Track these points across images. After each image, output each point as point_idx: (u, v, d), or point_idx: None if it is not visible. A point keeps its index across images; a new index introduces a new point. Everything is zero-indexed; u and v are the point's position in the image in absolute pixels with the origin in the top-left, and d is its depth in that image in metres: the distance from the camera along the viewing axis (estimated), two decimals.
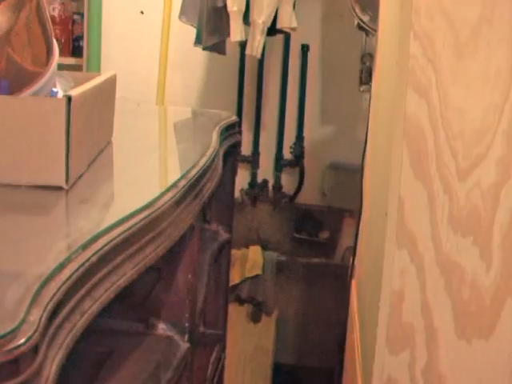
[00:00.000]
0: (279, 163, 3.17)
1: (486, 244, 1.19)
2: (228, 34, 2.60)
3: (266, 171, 3.18)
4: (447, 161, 1.18)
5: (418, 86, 1.17)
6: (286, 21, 2.56)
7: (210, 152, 1.28)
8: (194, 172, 1.14)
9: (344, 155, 3.10)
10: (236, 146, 1.67)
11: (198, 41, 2.75)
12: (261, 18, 2.50)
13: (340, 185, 3.13)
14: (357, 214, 2.09)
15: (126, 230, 0.85)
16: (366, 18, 1.94)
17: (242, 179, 3.01)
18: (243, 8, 2.53)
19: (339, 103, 3.15)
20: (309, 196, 3.16)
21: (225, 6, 2.55)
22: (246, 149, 3.09)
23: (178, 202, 1.02)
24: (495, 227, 1.19)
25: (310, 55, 3.11)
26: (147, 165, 1.27)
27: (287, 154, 3.18)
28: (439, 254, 1.20)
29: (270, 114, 3.19)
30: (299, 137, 3.16)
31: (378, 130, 1.68)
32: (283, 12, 2.55)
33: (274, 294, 2.87)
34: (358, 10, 1.93)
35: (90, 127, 1.12)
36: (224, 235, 1.68)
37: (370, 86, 2.31)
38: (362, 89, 2.86)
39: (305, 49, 3.10)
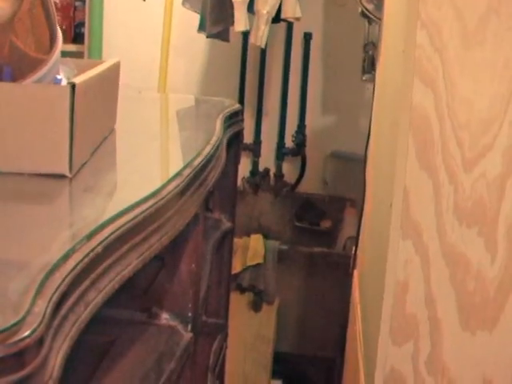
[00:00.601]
0: (281, 152, 3.16)
1: (491, 235, 1.19)
2: (232, 22, 2.58)
3: (267, 160, 3.17)
4: (453, 151, 1.17)
5: (425, 76, 1.16)
6: (290, 11, 2.54)
7: (214, 140, 1.27)
8: (198, 160, 1.13)
9: (346, 144, 3.09)
10: (239, 134, 1.66)
11: (202, 27, 2.73)
12: (265, 8, 2.49)
13: (341, 174, 3.12)
14: (359, 203, 2.09)
15: (130, 220, 0.84)
16: (370, 7, 1.93)
17: (243, 167, 2.99)
18: None
19: (341, 92, 3.14)
20: (310, 185, 3.16)
21: None
22: (247, 137, 3.07)
23: (182, 191, 1.01)
24: (500, 218, 1.18)
25: (313, 43, 3.09)
26: (151, 153, 1.26)
27: (289, 142, 3.17)
28: (444, 245, 1.19)
29: (272, 102, 3.17)
30: (301, 125, 3.15)
31: (382, 119, 1.67)
32: (288, 2, 2.54)
33: (275, 282, 2.86)
34: None
35: (93, 115, 1.11)
36: (226, 224, 1.67)
37: (373, 75, 2.30)
38: (364, 78, 2.85)
39: (307, 37, 3.08)
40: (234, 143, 1.62)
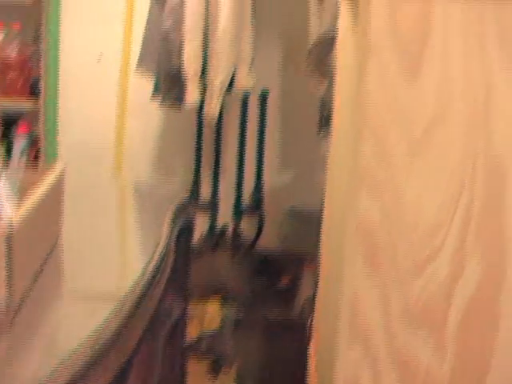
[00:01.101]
0: (239, 209, 3.15)
1: (440, 338, 1.19)
2: (184, 96, 2.58)
3: (225, 217, 3.16)
4: (401, 256, 1.18)
5: (371, 184, 1.17)
6: (243, 82, 2.56)
7: (158, 254, 1.24)
8: (143, 281, 1.10)
9: (304, 200, 3.09)
10: (189, 226, 1.64)
11: (157, 91, 2.73)
12: (218, 79, 2.50)
13: (300, 230, 3.12)
14: (316, 262, 2.08)
15: (69, 372, 0.82)
16: (321, 89, 1.94)
17: (201, 226, 2.98)
18: (199, 71, 2.52)
19: (298, 148, 3.15)
20: (269, 242, 3.15)
21: (181, 68, 2.53)
22: (205, 195, 3.07)
23: (124, 325, 0.99)
24: (449, 321, 1.19)
25: (270, 100, 3.10)
26: (93, 272, 1.22)
27: (247, 199, 3.16)
28: (393, 349, 1.20)
29: (229, 159, 3.17)
30: (258, 182, 3.15)
31: (335, 178, 1.66)
32: (241, 73, 2.55)
33: (234, 347, 2.85)
34: (312, 84, 1.93)
35: (32, 246, 1.08)
36: (178, 311, 1.65)
37: (329, 130, 2.30)
38: (320, 134, 2.86)
39: (264, 94, 3.09)
40: (185, 236, 1.60)
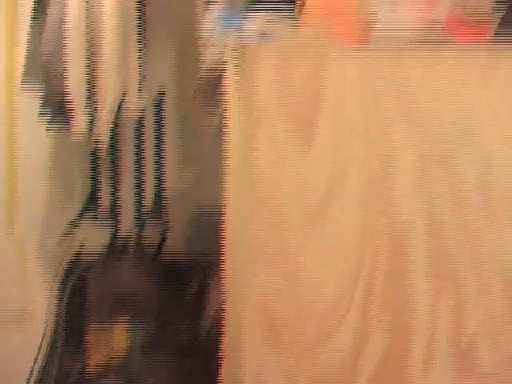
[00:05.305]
0: (140, 215, 3.04)
1: None
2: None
3: (127, 225, 3.05)
4: (304, 330, 1.13)
5: (268, 254, 1.12)
6: (132, 106, 2.46)
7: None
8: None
9: (208, 201, 3.01)
10: (82, 285, 1.54)
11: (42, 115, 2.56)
12: (105, 108, 2.37)
13: (207, 234, 3.03)
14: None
15: None
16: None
17: (100, 237, 2.87)
18: (85, 99, 2.39)
19: (199, 147, 3.05)
20: (174, 249, 3.05)
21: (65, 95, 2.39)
22: (104, 201, 2.95)
23: None
24: None
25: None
26: None
27: (148, 205, 3.06)
28: None
29: (128, 163, 3.04)
30: (159, 185, 3.05)
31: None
32: (129, 97, 2.44)
33: (145, 372, 2.75)
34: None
35: None
36: None
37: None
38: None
39: (160, 95, 2.99)
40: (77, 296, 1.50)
